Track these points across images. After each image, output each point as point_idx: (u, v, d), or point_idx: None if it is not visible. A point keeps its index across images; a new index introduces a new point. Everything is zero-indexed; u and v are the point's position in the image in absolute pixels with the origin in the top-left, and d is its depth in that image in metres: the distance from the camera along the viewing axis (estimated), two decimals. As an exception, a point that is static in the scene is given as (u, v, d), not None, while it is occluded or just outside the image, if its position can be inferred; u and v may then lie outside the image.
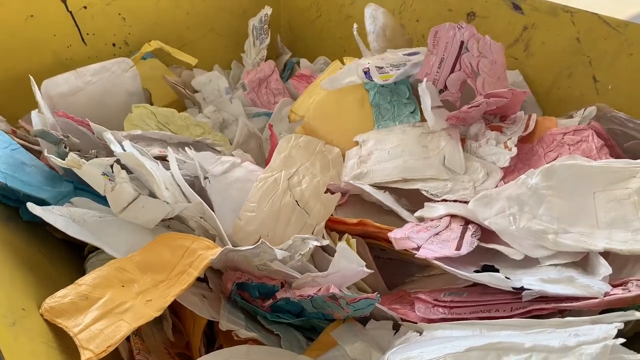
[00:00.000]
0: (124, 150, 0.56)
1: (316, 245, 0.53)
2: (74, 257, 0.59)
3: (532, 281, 0.44)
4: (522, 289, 0.44)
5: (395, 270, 0.58)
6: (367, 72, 0.67)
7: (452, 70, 0.66)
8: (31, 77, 0.68)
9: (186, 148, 0.65)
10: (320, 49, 1.00)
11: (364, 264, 0.47)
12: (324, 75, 0.74)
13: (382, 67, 0.68)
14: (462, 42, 0.65)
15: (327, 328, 0.50)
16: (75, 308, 0.45)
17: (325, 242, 0.54)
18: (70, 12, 0.83)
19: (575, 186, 0.50)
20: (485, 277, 0.46)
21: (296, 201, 0.59)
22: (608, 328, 0.36)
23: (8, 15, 0.77)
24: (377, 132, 0.66)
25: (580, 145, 0.57)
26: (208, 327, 0.54)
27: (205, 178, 0.61)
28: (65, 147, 0.60)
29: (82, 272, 0.59)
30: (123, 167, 0.55)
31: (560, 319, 0.40)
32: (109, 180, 0.53)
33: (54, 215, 0.51)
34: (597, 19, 0.62)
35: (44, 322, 0.42)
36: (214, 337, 0.55)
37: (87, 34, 0.85)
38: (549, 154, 0.58)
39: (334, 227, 0.59)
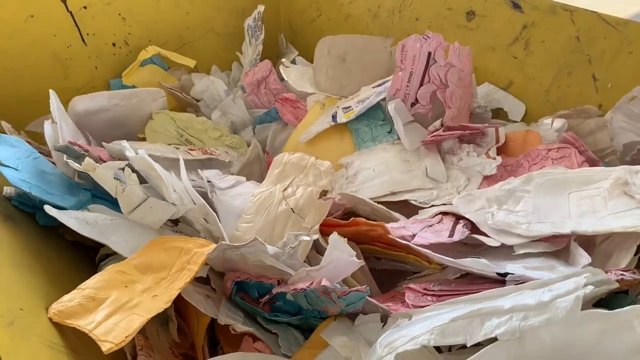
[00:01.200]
0: (137, 154, 0.58)
1: (307, 241, 0.54)
2: (75, 258, 0.59)
3: (515, 268, 0.47)
4: (505, 274, 0.46)
5: (389, 280, 0.60)
6: (334, 116, 0.72)
7: (422, 83, 0.67)
8: (51, 92, 0.70)
9: (198, 170, 0.68)
10: (320, 48, 1.00)
11: (355, 253, 0.49)
12: (307, 119, 0.77)
13: (349, 107, 0.72)
14: (429, 53, 0.66)
15: (319, 327, 0.51)
16: (84, 309, 0.46)
17: (315, 236, 0.55)
18: (70, 12, 0.83)
19: (551, 189, 0.54)
20: (469, 262, 0.48)
21: (291, 209, 0.61)
22: (578, 279, 0.38)
23: (8, 15, 0.77)
24: (360, 153, 0.69)
25: (563, 161, 0.61)
26: (211, 329, 0.55)
27: (212, 191, 0.64)
28: None
29: (85, 273, 0.59)
30: (134, 171, 0.57)
31: (537, 280, 0.42)
32: (120, 183, 0.56)
33: (68, 217, 0.54)
34: (596, 18, 0.61)
35: (42, 322, 0.42)
36: (216, 340, 0.56)
37: (87, 34, 0.85)
38: (532, 166, 0.62)
39: (328, 231, 0.59)
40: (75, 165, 0.56)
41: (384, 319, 0.50)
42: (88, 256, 0.62)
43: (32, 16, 0.79)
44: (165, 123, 0.81)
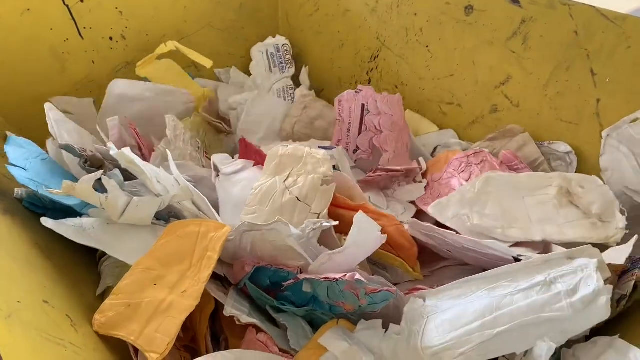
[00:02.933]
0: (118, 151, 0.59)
1: (327, 227, 0.56)
2: (74, 251, 0.59)
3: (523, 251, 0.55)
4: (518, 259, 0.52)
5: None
6: None
7: (360, 132, 0.78)
8: (47, 105, 0.71)
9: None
10: (318, 43, 1.00)
11: (380, 228, 0.51)
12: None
13: None
14: (362, 105, 0.77)
15: (319, 330, 0.51)
16: (124, 318, 0.49)
17: (335, 222, 0.56)
18: (67, 6, 0.82)
19: (508, 192, 0.62)
20: (490, 244, 0.54)
21: (296, 197, 0.61)
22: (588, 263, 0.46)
23: (4, 10, 0.77)
24: None
25: (485, 165, 0.69)
26: (213, 323, 0.56)
27: (216, 176, 0.66)
28: (86, 162, 0.63)
29: (83, 266, 0.59)
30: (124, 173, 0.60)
31: (541, 256, 0.50)
32: (102, 194, 0.57)
33: (66, 227, 0.55)
34: (595, 12, 0.61)
35: (40, 315, 0.42)
36: (218, 335, 0.57)
37: (84, 27, 0.85)
38: (461, 174, 0.69)
39: (336, 212, 0.62)
40: (54, 191, 0.56)
41: (385, 325, 0.51)
42: (87, 249, 0.62)
43: (28, 10, 0.79)
44: (198, 125, 0.87)
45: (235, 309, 0.52)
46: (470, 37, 0.75)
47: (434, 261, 0.64)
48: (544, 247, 0.58)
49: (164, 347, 0.46)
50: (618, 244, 0.55)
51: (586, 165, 0.66)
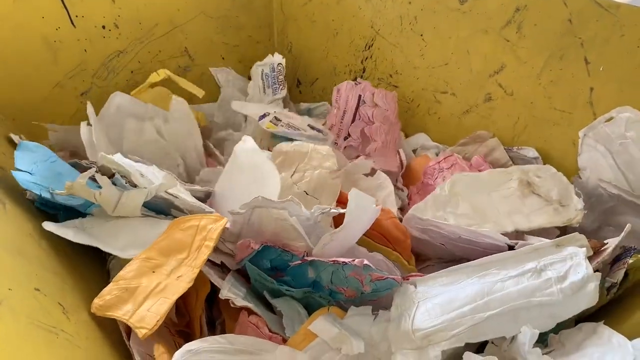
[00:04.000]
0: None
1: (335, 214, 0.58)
2: (67, 241, 0.59)
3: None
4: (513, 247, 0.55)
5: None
6: (263, 115, 0.81)
7: (353, 120, 0.82)
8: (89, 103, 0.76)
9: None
10: (312, 32, 0.99)
11: (374, 200, 0.53)
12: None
13: (279, 121, 0.80)
14: (359, 96, 0.81)
15: (310, 317, 0.52)
16: (120, 300, 0.52)
17: (342, 210, 0.56)
18: (59, -6, 0.81)
19: (475, 191, 0.66)
20: (486, 232, 0.57)
21: (304, 192, 0.63)
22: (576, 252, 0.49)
23: (-5, -3, 0.76)
24: None
25: (455, 168, 0.73)
26: (210, 308, 0.59)
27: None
28: (97, 172, 0.63)
29: (76, 256, 0.59)
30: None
31: (531, 245, 0.52)
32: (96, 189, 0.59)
33: (66, 229, 0.57)
34: (589, 1, 0.61)
35: (31, 303, 0.42)
36: (214, 319, 0.59)
37: (76, 16, 0.84)
38: (437, 180, 0.74)
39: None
40: (57, 192, 0.59)
41: (375, 311, 0.53)
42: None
43: (20, -2, 0.78)
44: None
45: (232, 293, 0.53)
46: (465, 26, 0.74)
47: (419, 260, 0.67)
48: (515, 236, 0.61)
49: (154, 324, 0.47)
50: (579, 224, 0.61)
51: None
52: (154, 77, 0.88)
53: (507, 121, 0.74)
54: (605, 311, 0.52)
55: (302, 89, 1.08)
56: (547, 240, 0.52)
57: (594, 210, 0.65)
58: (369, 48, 0.90)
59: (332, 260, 0.51)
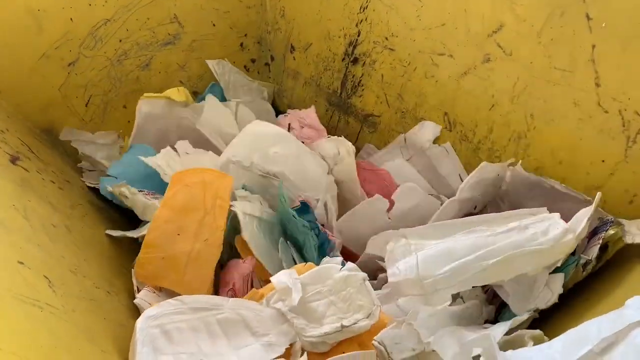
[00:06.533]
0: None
1: None
2: (53, 212, 0.58)
3: None
4: None
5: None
6: None
7: None
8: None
9: None
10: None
11: None
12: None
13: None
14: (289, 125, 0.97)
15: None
16: (162, 269, 0.59)
17: None
18: (41, -40, 0.78)
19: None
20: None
21: None
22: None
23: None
24: None
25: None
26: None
27: None
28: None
29: (63, 227, 0.58)
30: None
31: (509, 212, 0.62)
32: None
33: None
34: (591, -48, 0.58)
35: (14, 276, 0.41)
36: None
37: (60, -18, 0.81)
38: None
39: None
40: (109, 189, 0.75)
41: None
42: (66, 211, 0.61)
43: (0, -36, 0.75)
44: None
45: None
46: (462, -17, 0.71)
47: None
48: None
49: (204, 293, 0.57)
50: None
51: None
52: (172, 94, 0.91)
53: (506, 82, 0.72)
54: (584, 286, 0.53)
55: (296, 55, 1.05)
56: (524, 209, 0.60)
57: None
58: (363, 10, 0.87)
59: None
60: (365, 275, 0.57)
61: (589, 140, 0.65)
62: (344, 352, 0.52)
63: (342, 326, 0.53)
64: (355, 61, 0.93)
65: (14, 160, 0.62)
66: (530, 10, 0.66)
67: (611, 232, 0.57)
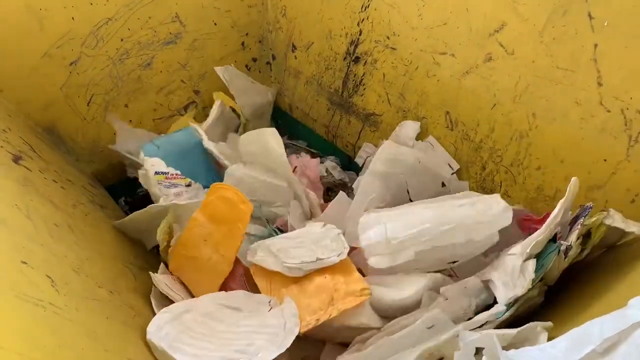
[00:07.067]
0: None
1: None
2: (56, 211, 0.58)
3: None
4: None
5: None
6: None
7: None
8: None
9: None
10: None
11: None
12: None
13: None
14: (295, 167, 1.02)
15: None
16: (185, 267, 0.72)
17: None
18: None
19: None
20: None
21: None
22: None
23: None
24: None
25: None
26: None
27: None
28: None
29: (65, 227, 0.58)
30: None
31: (462, 193, 0.77)
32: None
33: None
34: (593, -49, 0.58)
35: (17, 276, 0.41)
36: None
37: (61, -18, 0.81)
38: None
39: None
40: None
41: None
42: (69, 209, 0.61)
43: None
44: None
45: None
46: (464, -18, 0.71)
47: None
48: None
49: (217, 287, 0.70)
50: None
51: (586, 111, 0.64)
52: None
53: (508, 81, 0.72)
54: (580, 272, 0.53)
55: (297, 54, 1.05)
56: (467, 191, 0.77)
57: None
58: (365, 9, 0.87)
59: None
60: (339, 230, 0.75)
61: (591, 139, 0.65)
62: (314, 278, 0.67)
63: (317, 259, 0.68)
64: (356, 60, 0.93)
65: (16, 159, 0.62)
66: (532, 9, 0.65)
67: (593, 218, 0.58)
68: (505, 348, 0.46)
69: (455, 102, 0.80)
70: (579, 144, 0.66)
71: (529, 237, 0.61)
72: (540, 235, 0.59)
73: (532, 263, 0.59)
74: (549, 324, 0.52)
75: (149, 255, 0.82)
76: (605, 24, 0.60)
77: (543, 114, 0.69)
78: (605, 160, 0.64)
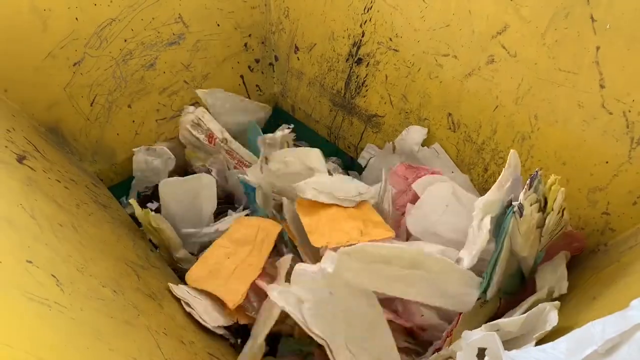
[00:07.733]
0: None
1: None
2: (60, 211, 0.58)
3: None
4: None
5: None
6: None
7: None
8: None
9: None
10: None
11: None
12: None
13: None
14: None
15: None
16: (208, 278, 0.76)
17: None
18: (47, -40, 0.79)
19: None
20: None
21: None
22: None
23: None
24: None
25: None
26: None
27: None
28: None
29: (70, 226, 0.58)
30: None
31: None
32: None
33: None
34: (596, -46, 0.58)
35: (22, 275, 0.42)
36: None
37: (65, -17, 0.82)
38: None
39: None
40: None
41: None
42: (73, 209, 0.61)
43: (7, -36, 0.76)
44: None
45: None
46: (466, -16, 0.72)
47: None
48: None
49: (239, 298, 0.72)
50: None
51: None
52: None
53: (511, 84, 0.72)
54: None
55: (300, 55, 1.05)
56: None
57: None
58: (367, 11, 0.88)
59: None
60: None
61: (593, 141, 0.65)
62: (333, 211, 0.80)
63: (359, 193, 0.82)
64: (359, 62, 0.93)
65: (20, 159, 0.62)
66: (535, 11, 0.66)
67: (543, 186, 0.62)
68: (514, 338, 0.47)
69: (458, 104, 0.80)
70: (580, 146, 0.66)
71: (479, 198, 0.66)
72: (489, 196, 0.64)
73: (486, 218, 0.63)
74: (557, 303, 0.52)
75: (152, 256, 0.82)
76: (608, 26, 0.60)
77: (545, 116, 0.69)
78: (607, 162, 0.64)
